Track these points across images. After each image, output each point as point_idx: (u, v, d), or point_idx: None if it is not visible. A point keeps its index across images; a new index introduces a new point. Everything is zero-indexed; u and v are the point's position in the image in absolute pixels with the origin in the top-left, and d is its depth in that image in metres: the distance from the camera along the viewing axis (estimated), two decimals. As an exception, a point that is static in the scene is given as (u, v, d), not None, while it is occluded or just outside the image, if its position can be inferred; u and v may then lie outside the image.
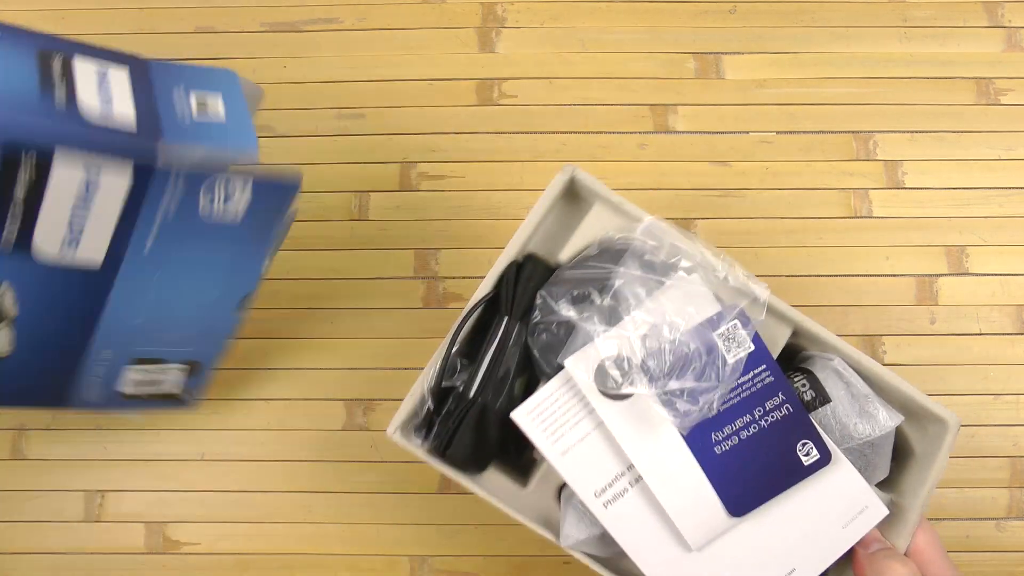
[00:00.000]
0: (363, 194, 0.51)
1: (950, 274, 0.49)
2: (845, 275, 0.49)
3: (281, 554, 0.47)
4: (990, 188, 0.50)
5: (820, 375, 0.39)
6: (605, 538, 0.37)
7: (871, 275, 0.49)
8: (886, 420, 0.38)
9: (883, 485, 0.41)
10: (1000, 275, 0.49)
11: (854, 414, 0.39)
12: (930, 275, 0.49)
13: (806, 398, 0.39)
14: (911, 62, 0.52)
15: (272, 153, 0.51)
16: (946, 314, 0.49)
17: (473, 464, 0.38)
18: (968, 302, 0.49)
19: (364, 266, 0.50)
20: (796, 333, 0.40)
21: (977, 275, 0.49)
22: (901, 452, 0.41)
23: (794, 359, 0.42)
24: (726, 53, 0.53)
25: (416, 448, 0.37)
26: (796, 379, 0.39)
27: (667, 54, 0.53)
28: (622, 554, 0.38)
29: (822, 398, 0.39)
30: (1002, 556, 0.46)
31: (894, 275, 0.49)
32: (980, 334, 0.49)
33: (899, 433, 0.41)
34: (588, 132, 0.51)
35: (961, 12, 0.53)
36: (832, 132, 0.51)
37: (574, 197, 0.41)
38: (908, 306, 0.49)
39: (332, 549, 0.47)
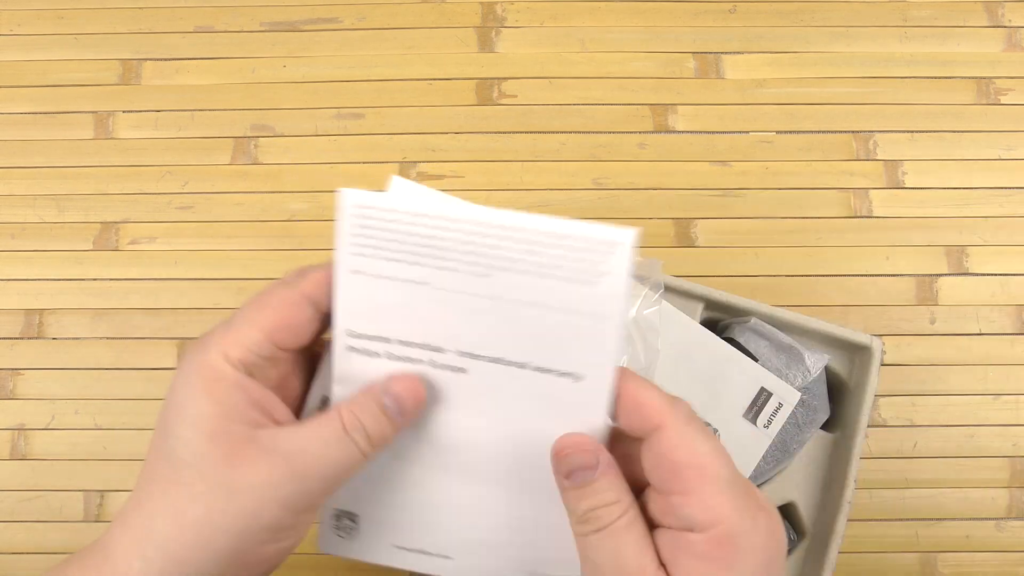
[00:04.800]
0: (363, 194, 0.51)
1: (950, 274, 0.49)
2: (845, 275, 0.49)
3: (281, 554, 0.47)
4: (990, 188, 0.50)
5: (741, 339, 0.40)
6: None
7: (871, 275, 0.49)
8: (813, 363, 0.40)
9: (827, 425, 0.42)
10: (1000, 275, 0.49)
11: (783, 366, 0.40)
12: (930, 275, 0.49)
13: None
14: (911, 62, 0.52)
15: (271, 153, 0.51)
16: (946, 314, 0.49)
17: None
18: (968, 302, 0.49)
19: (364, 266, 0.49)
20: (709, 306, 0.41)
21: (977, 275, 0.49)
22: (837, 389, 0.43)
23: (714, 331, 0.43)
24: (726, 53, 0.53)
25: None
26: None
27: (667, 54, 0.53)
28: None
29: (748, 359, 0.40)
30: (1002, 556, 0.46)
31: (894, 275, 0.49)
32: (980, 334, 0.49)
33: (830, 371, 0.42)
34: (588, 132, 0.51)
35: (961, 12, 0.53)
36: (832, 132, 0.51)
37: None
38: (908, 306, 0.49)
39: (332, 549, 0.47)
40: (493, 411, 0.29)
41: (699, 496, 0.24)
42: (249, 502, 0.26)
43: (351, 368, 0.29)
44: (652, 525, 0.26)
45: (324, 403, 0.30)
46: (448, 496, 0.30)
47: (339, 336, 0.29)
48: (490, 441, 0.29)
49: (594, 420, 0.28)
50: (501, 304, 0.27)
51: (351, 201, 0.29)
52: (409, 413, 0.28)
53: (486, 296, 0.27)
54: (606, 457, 0.27)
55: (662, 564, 0.25)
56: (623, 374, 0.27)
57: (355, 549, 0.31)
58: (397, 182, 0.29)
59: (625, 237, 0.26)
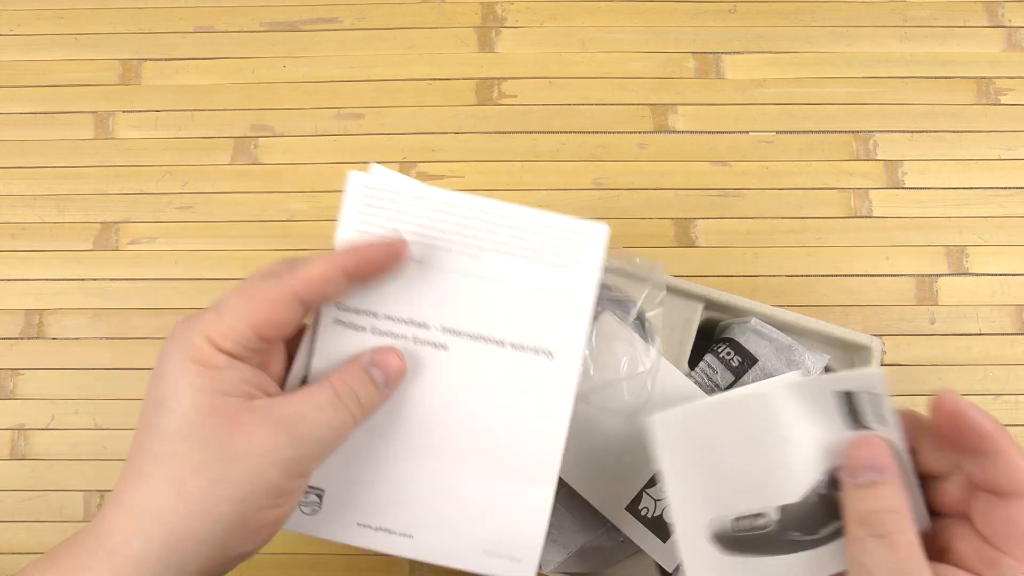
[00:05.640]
0: (363, 194, 0.51)
1: (950, 274, 0.49)
2: (845, 275, 0.49)
3: (281, 554, 0.47)
4: (990, 188, 0.50)
5: (741, 339, 0.40)
6: (584, 554, 0.37)
7: (871, 275, 0.49)
8: (813, 363, 0.40)
9: None
10: (1000, 275, 0.49)
11: (783, 366, 0.40)
12: (930, 275, 0.49)
13: (733, 364, 0.40)
14: (911, 62, 0.52)
15: (271, 153, 0.51)
16: (946, 314, 0.49)
17: None
18: (968, 302, 0.49)
19: (364, 266, 0.49)
20: (709, 306, 0.41)
21: (977, 275, 0.49)
22: None
23: (715, 332, 0.43)
24: (726, 53, 0.53)
25: None
26: (720, 349, 0.40)
27: (667, 54, 0.53)
28: (603, 564, 0.38)
29: (749, 360, 0.40)
30: (1002, 556, 0.46)
31: (894, 275, 0.49)
32: (980, 334, 0.49)
33: (830, 371, 0.42)
34: (588, 132, 0.51)
35: (961, 12, 0.53)
36: (832, 132, 0.51)
37: None
38: (908, 306, 0.49)
39: (331, 549, 0.47)
40: (468, 389, 0.31)
41: None
42: (251, 468, 0.26)
43: (334, 342, 0.31)
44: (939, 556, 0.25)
45: (304, 381, 0.31)
46: (415, 473, 0.31)
47: (327, 309, 0.31)
48: (461, 420, 0.31)
49: (562, 398, 0.31)
50: (487, 283, 0.30)
51: (360, 181, 0.31)
52: (393, 383, 0.30)
53: (474, 275, 0.30)
54: (896, 466, 0.25)
55: None
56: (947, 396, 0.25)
57: (319, 527, 0.32)
58: (377, 170, 0.31)
59: (600, 231, 0.31)
